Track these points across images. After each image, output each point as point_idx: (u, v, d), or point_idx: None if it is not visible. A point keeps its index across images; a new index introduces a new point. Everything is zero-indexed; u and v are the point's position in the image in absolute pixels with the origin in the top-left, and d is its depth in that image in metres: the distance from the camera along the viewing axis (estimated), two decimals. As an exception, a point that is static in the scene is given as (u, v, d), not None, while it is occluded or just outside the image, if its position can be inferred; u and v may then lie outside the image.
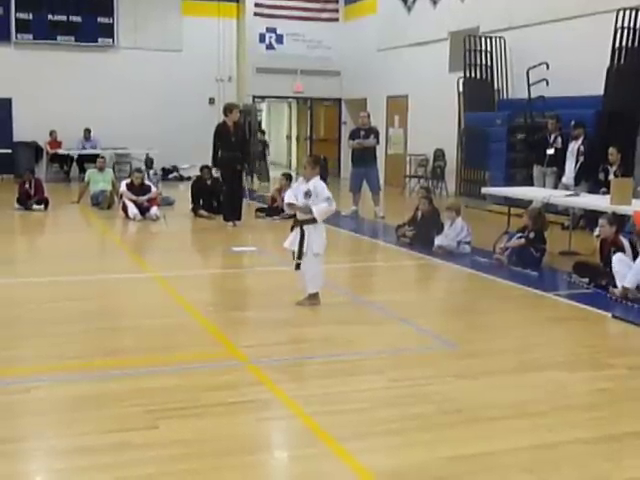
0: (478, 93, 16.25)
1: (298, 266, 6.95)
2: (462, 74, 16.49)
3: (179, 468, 3.76)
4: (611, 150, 11.60)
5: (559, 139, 12.92)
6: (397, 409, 4.60)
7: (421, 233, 10.72)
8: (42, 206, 14.24)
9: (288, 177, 14.35)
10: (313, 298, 7.08)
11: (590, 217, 11.04)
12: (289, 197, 7.09)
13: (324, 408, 4.58)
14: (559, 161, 12.80)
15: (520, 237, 9.42)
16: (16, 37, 21.06)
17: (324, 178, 7.13)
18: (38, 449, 4.10)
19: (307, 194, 6.89)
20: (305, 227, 6.92)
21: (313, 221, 6.93)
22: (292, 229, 7.09)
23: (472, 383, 5.12)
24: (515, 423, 4.40)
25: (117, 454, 3.90)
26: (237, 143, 12.40)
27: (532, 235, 9.34)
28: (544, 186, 12.81)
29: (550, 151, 12.96)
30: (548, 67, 14.28)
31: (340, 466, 3.89)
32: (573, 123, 12.45)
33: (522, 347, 6.00)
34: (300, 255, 6.88)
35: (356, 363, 5.54)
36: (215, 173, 13.15)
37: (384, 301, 7.58)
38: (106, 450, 3.95)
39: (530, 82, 14.25)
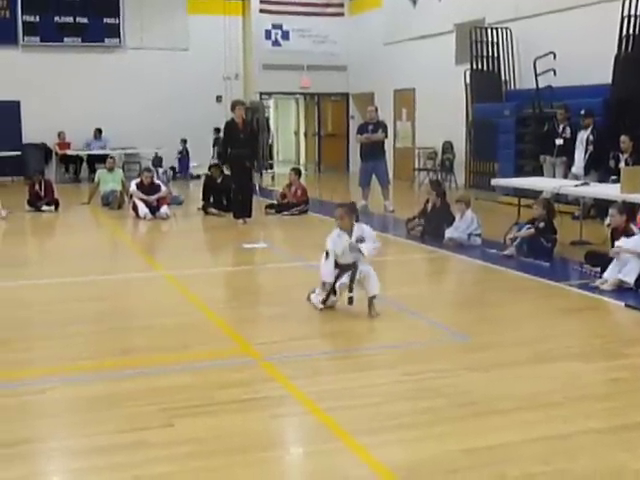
0: (485, 85, 16.21)
1: (351, 301, 6.62)
2: (469, 66, 16.45)
3: (195, 466, 3.77)
4: (623, 138, 11.53)
5: (568, 129, 12.88)
6: (410, 403, 4.60)
7: (431, 226, 10.72)
8: (52, 207, 14.31)
9: (297, 172, 14.36)
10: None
11: (601, 206, 11.00)
12: (331, 259, 6.73)
13: (337, 403, 4.59)
14: (568, 151, 12.75)
15: (529, 227, 9.39)
16: (23, 39, 21.16)
17: (358, 220, 6.92)
18: (54, 450, 4.12)
19: (361, 241, 6.70)
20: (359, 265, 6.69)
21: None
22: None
23: (485, 375, 5.11)
24: (529, 414, 4.40)
25: (133, 453, 3.92)
26: (246, 140, 12.41)
27: (542, 225, 9.32)
28: (554, 176, 12.78)
29: (559, 141, 12.92)
30: (555, 57, 14.24)
31: (355, 461, 3.89)
32: (582, 112, 12.39)
33: (535, 338, 5.99)
34: (351, 289, 6.59)
35: (368, 358, 5.55)
36: (225, 170, 13.18)
37: (395, 295, 7.57)
38: (122, 449, 3.97)
39: (537, 72, 14.20)
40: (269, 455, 3.95)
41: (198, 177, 20.26)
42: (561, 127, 12.97)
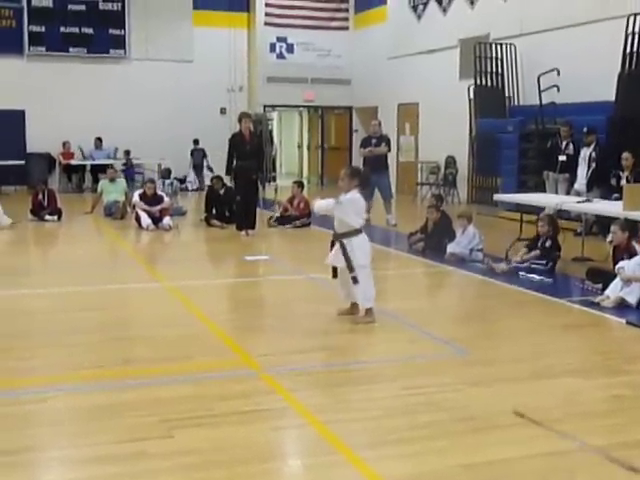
0: (489, 100, 16.26)
1: (355, 279, 6.62)
2: (473, 81, 16.51)
3: (195, 477, 3.78)
4: (625, 155, 11.55)
5: (571, 145, 12.91)
6: (410, 417, 4.61)
7: (433, 241, 10.74)
8: (55, 217, 14.33)
9: (300, 184, 14.39)
10: (369, 315, 6.80)
11: (603, 223, 11.01)
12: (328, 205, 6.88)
13: (338, 416, 4.59)
14: (571, 168, 12.78)
15: (532, 248, 9.46)
16: (29, 49, 21.27)
17: (364, 188, 6.86)
18: (55, 459, 4.13)
19: (338, 202, 6.68)
20: (345, 240, 6.63)
21: (352, 234, 6.65)
22: (332, 246, 6.82)
23: (485, 390, 5.12)
24: (529, 430, 4.40)
25: (133, 464, 3.93)
26: (252, 152, 12.44)
27: (548, 243, 9.36)
28: (557, 192, 12.80)
29: (562, 158, 12.94)
30: (559, 73, 14.28)
31: (355, 474, 3.90)
32: (585, 129, 12.43)
33: (535, 354, 6.00)
34: (352, 268, 6.56)
35: (369, 371, 5.55)
36: (229, 182, 13.20)
37: (396, 309, 7.58)
38: (122, 460, 3.97)
39: (541, 88, 14.25)
40: (269, 467, 3.96)
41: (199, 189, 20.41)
42: (564, 144, 13.00)
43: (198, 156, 21.82)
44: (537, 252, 9.35)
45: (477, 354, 5.94)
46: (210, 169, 20.70)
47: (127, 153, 21.34)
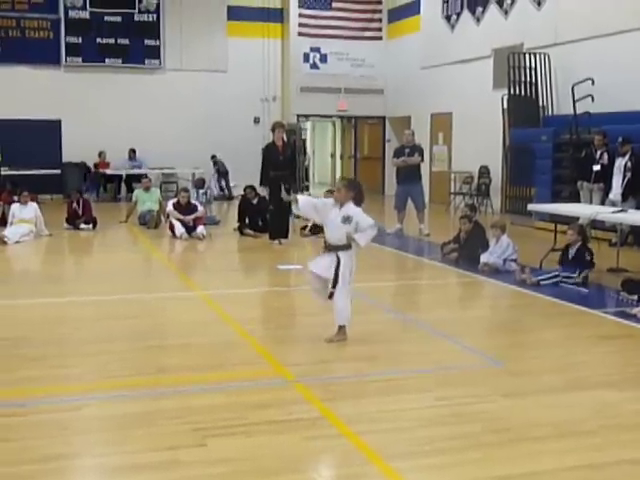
0: (523, 110, 16.18)
1: (332, 295, 6.45)
2: (506, 91, 16.44)
3: (227, 486, 3.80)
4: (660, 165, 11.44)
5: (605, 155, 12.78)
6: (444, 428, 4.59)
7: (466, 251, 10.69)
8: (90, 226, 14.48)
9: (332, 194, 14.38)
10: (342, 333, 6.53)
11: (638, 233, 10.90)
12: (308, 202, 6.73)
13: (371, 427, 4.58)
14: (605, 177, 12.65)
15: (563, 259, 9.42)
16: (66, 60, 21.58)
17: (358, 204, 6.57)
18: (89, 467, 4.17)
19: (347, 220, 6.42)
20: (340, 254, 6.45)
21: (348, 247, 6.49)
22: (323, 252, 6.62)
23: (519, 402, 5.08)
24: (563, 443, 4.36)
25: (166, 472, 3.95)
26: (285, 162, 12.48)
27: (575, 252, 9.31)
28: (591, 202, 12.68)
29: (596, 167, 12.82)
30: (593, 83, 14.19)
31: (387, 485, 3.89)
32: (620, 139, 12.31)
33: (569, 365, 5.95)
34: (335, 284, 6.39)
35: (402, 381, 5.53)
36: (263, 192, 13.24)
37: (430, 319, 7.56)
38: (155, 468, 4.00)
39: (575, 98, 14.15)
40: (302, 477, 3.96)
41: (231, 198, 20.53)
42: (598, 153, 12.87)
43: (221, 165, 21.93)
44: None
45: (511, 365, 5.90)
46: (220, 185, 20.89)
47: (133, 152, 21.51)
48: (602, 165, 12.78)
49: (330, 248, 6.51)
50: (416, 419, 4.73)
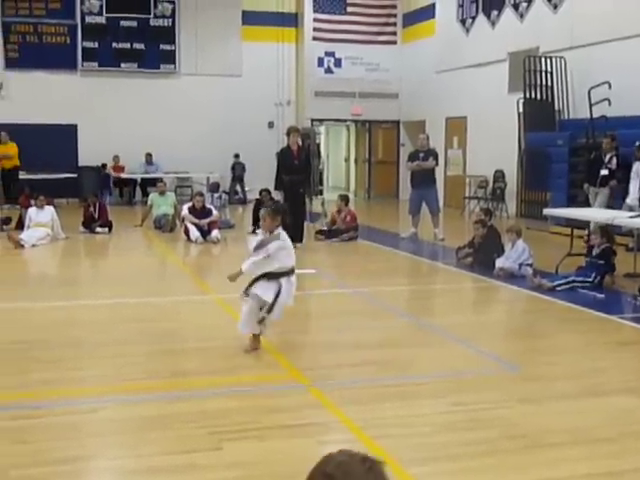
0: (538, 113, 16.12)
1: (262, 320, 6.29)
2: (522, 95, 16.39)
3: (243, 490, 3.79)
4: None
5: (614, 159, 12.58)
6: (460, 434, 4.57)
7: (481, 255, 10.65)
8: (106, 229, 14.54)
9: (343, 198, 14.40)
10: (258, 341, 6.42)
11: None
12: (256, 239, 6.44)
13: (386, 432, 4.57)
14: (617, 181, 12.45)
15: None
16: (82, 65, 21.70)
17: (285, 227, 6.38)
18: (105, 469, 4.19)
19: (260, 245, 6.26)
20: (283, 280, 6.27)
21: (290, 272, 6.30)
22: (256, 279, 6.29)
23: (536, 408, 5.05)
24: (580, 450, 4.33)
25: (182, 475, 3.95)
26: (300, 166, 12.49)
27: (598, 251, 9.27)
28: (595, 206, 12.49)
29: (604, 172, 12.58)
30: (610, 87, 14.12)
31: (403, 490, 3.88)
32: (638, 143, 12.22)
33: (586, 371, 5.91)
34: (270, 309, 6.20)
35: (417, 386, 5.52)
36: (277, 196, 13.25)
37: (444, 324, 7.54)
38: (172, 471, 4.00)
39: (592, 102, 14.09)
40: (317, 482, 3.95)
41: (244, 202, 20.55)
42: (607, 157, 12.68)
43: (239, 169, 22.05)
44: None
45: (527, 370, 5.87)
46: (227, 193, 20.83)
47: (149, 156, 21.57)
48: (609, 169, 12.59)
49: (271, 276, 6.26)
50: (431, 424, 4.71)
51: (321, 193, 21.71)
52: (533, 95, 16.24)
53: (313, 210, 16.07)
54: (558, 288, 9.00)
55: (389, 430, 4.60)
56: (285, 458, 4.17)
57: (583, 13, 15.54)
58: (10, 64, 21.23)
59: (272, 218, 6.35)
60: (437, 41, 21.38)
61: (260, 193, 14.71)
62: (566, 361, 6.28)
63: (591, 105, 14.12)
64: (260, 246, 6.28)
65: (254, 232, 13.85)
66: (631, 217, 10.22)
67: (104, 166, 21.17)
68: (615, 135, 12.70)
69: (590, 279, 9.10)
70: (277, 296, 6.24)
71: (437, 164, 14.36)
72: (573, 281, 9.12)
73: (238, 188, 22.05)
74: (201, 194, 14.86)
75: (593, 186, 12.83)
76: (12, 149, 19.23)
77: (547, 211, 12.57)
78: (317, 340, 6.92)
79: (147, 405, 5.04)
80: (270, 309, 6.24)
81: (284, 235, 6.33)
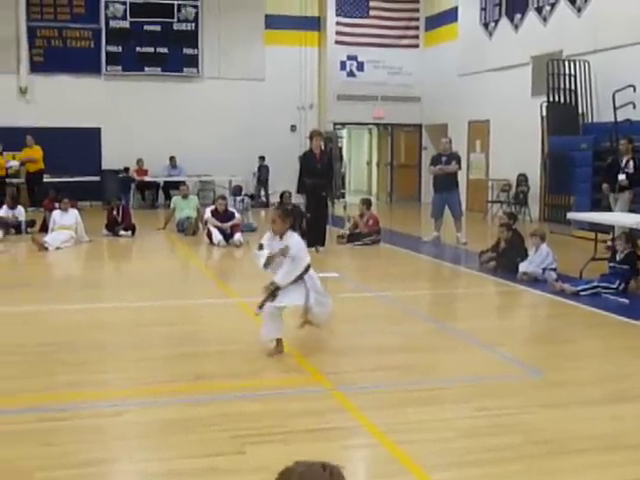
0: (562, 117, 16.02)
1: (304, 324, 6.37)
2: (545, 98, 16.30)
3: (266, 494, 3.78)
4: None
5: (631, 163, 12.30)
6: (484, 439, 4.54)
7: (505, 259, 10.60)
8: (129, 232, 14.61)
9: (365, 202, 14.38)
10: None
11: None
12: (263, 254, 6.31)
13: (410, 437, 4.55)
14: (633, 186, 12.22)
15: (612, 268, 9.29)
16: (106, 69, 21.83)
17: (295, 228, 6.31)
18: (128, 472, 4.20)
19: (285, 251, 6.12)
20: (306, 276, 6.24)
21: (308, 269, 6.27)
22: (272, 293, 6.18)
23: (560, 413, 5.01)
24: (607, 456, 4.29)
25: (206, 479, 3.96)
26: (323, 170, 12.50)
27: (622, 256, 9.18)
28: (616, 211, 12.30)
29: (621, 177, 12.29)
30: (635, 90, 14.01)
31: (427, 496, 3.86)
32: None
33: (612, 376, 5.86)
34: (307, 311, 6.24)
35: (441, 391, 5.50)
36: (299, 199, 13.26)
37: (467, 328, 7.51)
38: (195, 475, 4.01)
39: (616, 105, 13.98)
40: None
41: (266, 205, 20.58)
42: (624, 160, 12.43)
43: (264, 172, 22.10)
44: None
45: (551, 375, 5.83)
46: (251, 197, 20.81)
47: (173, 159, 21.63)
48: (627, 174, 12.30)
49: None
50: (455, 429, 4.69)
51: (343, 196, 21.71)
52: (557, 99, 16.14)
53: (335, 214, 16.09)
54: (582, 293, 8.94)
55: (412, 435, 4.58)
56: (308, 462, 4.16)
57: (607, 16, 15.43)
58: (35, 68, 21.42)
59: (283, 220, 6.22)
60: (460, 44, 21.32)
61: (281, 195, 14.73)
62: (590, 366, 6.23)
63: (615, 108, 14.02)
64: (269, 263, 6.17)
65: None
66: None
67: (126, 170, 21.27)
68: (632, 138, 12.50)
69: (614, 285, 9.03)
70: (308, 297, 6.23)
71: (460, 168, 14.31)
72: (597, 286, 9.06)
73: (262, 191, 22.11)
74: (224, 197, 14.90)
75: (613, 192, 12.58)
76: (37, 153, 19.41)
77: (571, 215, 12.47)
78: (340, 344, 6.91)
79: (170, 408, 5.05)
80: (309, 309, 6.26)
81: (295, 236, 6.26)
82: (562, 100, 16.15)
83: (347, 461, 4.33)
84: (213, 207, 14.33)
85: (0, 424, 4.73)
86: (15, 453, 4.25)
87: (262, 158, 22.04)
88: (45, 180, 19.37)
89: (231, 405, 5.08)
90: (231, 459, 4.19)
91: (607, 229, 11.21)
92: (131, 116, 21.48)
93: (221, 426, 4.66)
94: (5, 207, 15.04)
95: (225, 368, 5.98)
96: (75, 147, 20.48)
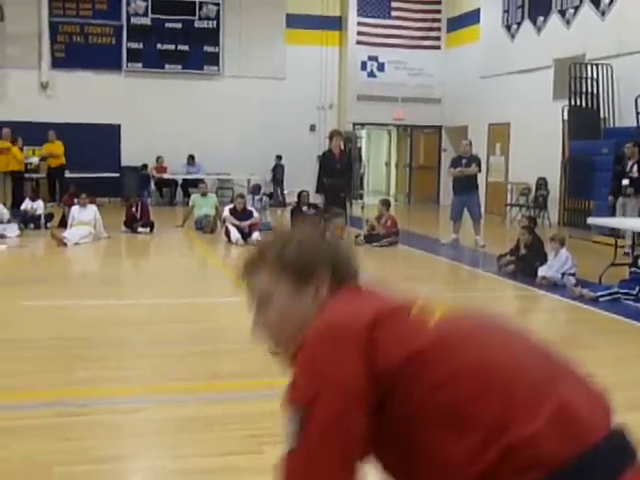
0: (583, 121, 15.93)
1: None
2: (567, 102, 16.21)
3: (284, 495, 3.77)
4: None
5: (635, 167, 12.13)
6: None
7: (524, 263, 10.54)
8: (147, 229, 14.65)
9: (385, 203, 14.35)
10: None
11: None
12: None
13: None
14: (637, 191, 12.06)
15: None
16: (127, 65, 21.91)
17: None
18: (145, 469, 4.21)
19: None
20: None
21: None
22: None
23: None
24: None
25: (222, 478, 3.96)
26: (342, 170, 12.49)
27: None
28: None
29: (625, 181, 12.16)
30: (658, 95, 13.92)
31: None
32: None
33: (632, 384, 5.80)
34: None
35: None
36: (318, 199, 13.27)
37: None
38: (211, 473, 4.00)
39: (638, 110, 13.89)
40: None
41: (284, 204, 20.60)
42: (629, 164, 12.24)
43: (280, 171, 22.10)
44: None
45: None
46: (269, 195, 20.78)
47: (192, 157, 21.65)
48: (631, 179, 12.11)
49: None
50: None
51: (361, 197, 21.69)
52: (578, 102, 16.06)
53: (353, 214, 16.06)
54: (601, 299, 8.87)
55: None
56: (326, 463, 4.14)
57: (631, 20, 15.32)
58: (57, 64, 21.53)
59: None
60: (481, 46, 21.25)
61: (299, 195, 14.72)
62: (609, 373, 6.15)
63: (638, 113, 13.93)
64: None
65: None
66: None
67: (145, 167, 21.33)
68: (638, 142, 12.31)
69: (634, 292, 8.95)
70: None
71: (480, 170, 14.26)
72: (616, 292, 8.98)
73: (278, 191, 22.12)
74: (242, 196, 14.91)
75: (621, 196, 12.39)
76: (59, 148, 19.52)
77: (591, 220, 12.39)
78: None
79: (187, 406, 5.05)
80: None
81: None
82: (584, 104, 16.06)
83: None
84: (232, 205, 14.34)
85: (18, 419, 4.75)
86: (33, 448, 4.26)
87: (279, 157, 22.06)
88: (67, 176, 19.47)
89: (249, 404, 5.07)
90: (248, 459, 4.18)
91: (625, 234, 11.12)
92: (151, 113, 21.53)
93: (238, 425, 4.66)
94: (27, 200, 15.20)
95: (243, 367, 5.97)
96: (95, 143, 20.54)
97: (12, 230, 13.64)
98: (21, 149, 19.12)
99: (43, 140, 19.60)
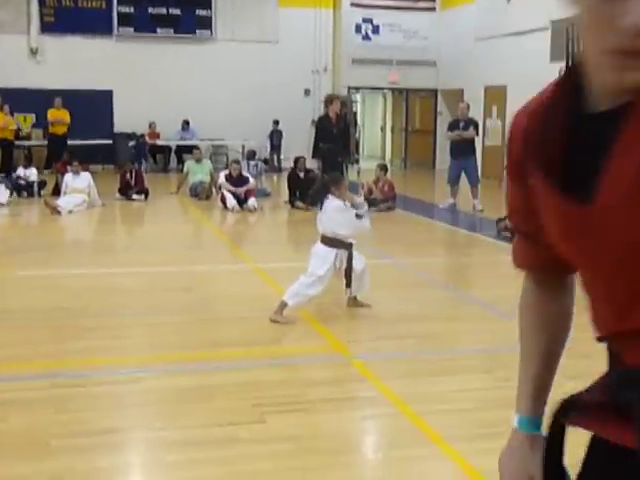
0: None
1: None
2: (564, 64, 15.99)
3: (288, 465, 3.71)
4: None
5: None
6: (507, 411, 4.42)
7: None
8: (142, 196, 14.51)
9: (382, 167, 14.22)
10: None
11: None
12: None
13: (431, 407, 4.47)
14: None
15: None
16: (118, 30, 21.55)
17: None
18: (146, 440, 4.13)
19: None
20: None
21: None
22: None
23: (584, 384, 4.89)
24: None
25: (225, 448, 3.89)
26: (339, 135, 12.36)
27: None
28: None
29: None
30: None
31: (452, 467, 3.78)
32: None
33: None
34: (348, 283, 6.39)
35: (462, 361, 5.41)
36: (316, 164, 13.14)
37: (485, 296, 7.41)
38: (215, 443, 3.93)
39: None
40: (363, 457, 3.89)
41: (279, 169, 20.46)
42: None
43: (277, 137, 21.91)
44: None
45: (576, 346, 5.67)
46: (265, 161, 20.54)
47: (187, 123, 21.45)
48: None
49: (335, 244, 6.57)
50: (476, 400, 4.60)
51: (357, 162, 21.55)
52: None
53: (349, 179, 15.93)
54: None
55: (434, 405, 4.50)
56: (330, 432, 4.09)
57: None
58: (46, 29, 21.15)
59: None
60: (477, 8, 20.95)
61: (295, 161, 14.58)
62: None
63: (637, 74, 13.76)
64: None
65: (290, 202, 13.78)
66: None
67: (142, 136, 21.00)
68: None
69: None
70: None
71: (477, 134, 14.13)
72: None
73: (274, 156, 21.93)
74: (238, 162, 14.75)
75: None
76: (66, 115, 19.15)
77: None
78: (358, 312, 6.79)
79: (188, 376, 4.98)
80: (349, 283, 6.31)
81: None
82: (582, 65, 15.87)
83: (369, 431, 4.26)
84: (227, 171, 14.19)
85: (14, 390, 4.67)
86: (30, 420, 4.19)
87: (276, 122, 21.83)
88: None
89: (250, 373, 5.00)
90: (251, 428, 4.12)
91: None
92: (143, 78, 21.23)
93: (240, 395, 4.59)
94: (21, 167, 15.06)
95: (243, 335, 5.90)
96: (86, 109, 20.20)
97: (2, 194, 13.45)
98: (11, 114, 18.77)
99: (33, 107, 19.31)
